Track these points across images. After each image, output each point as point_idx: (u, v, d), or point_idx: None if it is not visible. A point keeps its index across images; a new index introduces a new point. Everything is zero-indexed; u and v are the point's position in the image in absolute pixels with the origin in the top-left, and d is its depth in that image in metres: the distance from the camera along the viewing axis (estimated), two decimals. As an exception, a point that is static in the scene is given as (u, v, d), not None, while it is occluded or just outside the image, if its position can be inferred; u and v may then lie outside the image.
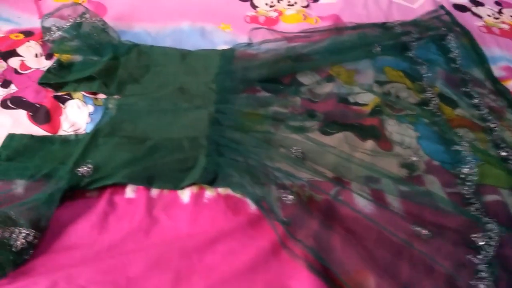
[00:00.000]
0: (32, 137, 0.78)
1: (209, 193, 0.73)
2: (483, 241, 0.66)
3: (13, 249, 0.60)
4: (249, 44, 1.01)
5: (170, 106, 0.85)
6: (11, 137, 0.77)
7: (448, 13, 1.16)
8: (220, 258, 0.65)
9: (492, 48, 1.12)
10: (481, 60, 1.05)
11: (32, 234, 0.62)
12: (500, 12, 1.28)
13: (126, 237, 0.67)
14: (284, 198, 0.70)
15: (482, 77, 1.02)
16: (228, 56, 0.97)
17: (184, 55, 0.98)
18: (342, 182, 0.75)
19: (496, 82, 1.00)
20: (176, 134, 0.80)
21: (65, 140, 0.78)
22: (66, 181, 0.68)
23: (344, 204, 0.71)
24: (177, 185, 0.73)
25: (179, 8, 1.17)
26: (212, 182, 0.73)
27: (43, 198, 0.65)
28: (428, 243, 0.67)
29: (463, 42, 1.09)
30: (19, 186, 0.69)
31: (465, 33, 1.11)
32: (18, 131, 0.79)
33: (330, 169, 0.77)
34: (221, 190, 0.74)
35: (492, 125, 0.88)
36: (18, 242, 0.61)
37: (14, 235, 0.61)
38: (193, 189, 0.73)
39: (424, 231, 0.67)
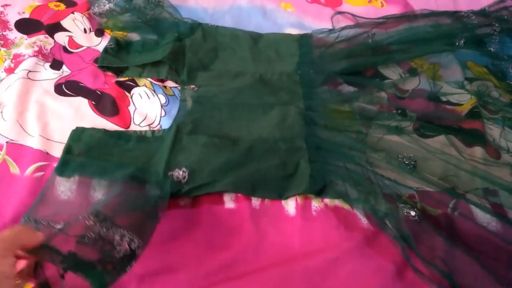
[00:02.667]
0: (105, 131, 0.66)
1: (316, 204, 0.65)
2: None
3: (116, 255, 0.47)
4: (329, 31, 0.90)
5: (254, 100, 0.75)
6: (81, 131, 0.66)
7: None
8: (343, 282, 0.58)
9: None
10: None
11: (136, 241, 0.49)
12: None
13: (237, 255, 0.58)
14: (405, 213, 0.63)
15: None
16: (306, 43, 0.87)
17: (255, 39, 0.86)
18: (457, 193, 0.68)
19: None
20: (268, 134, 0.70)
21: (141, 137, 0.67)
22: (168, 188, 0.58)
23: (467, 219, 0.65)
24: (281, 195, 0.64)
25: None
26: (320, 192, 0.65)
27: (147, 207, 0.54)
28: None
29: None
30: (101, 187, 0.58)
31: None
32: (82, 124, 0.68)
33: (439, 178, 0.70)
34: (328, 201, 0.65)
35: None
36: (122, 247, 0.48)
37: (117, 237, 0.48)
38: (298, 200, 0.65)
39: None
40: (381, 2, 1.07)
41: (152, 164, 0.63)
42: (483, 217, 0.65)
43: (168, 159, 0.62)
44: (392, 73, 0.88)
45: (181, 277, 0.55)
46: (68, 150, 0.63)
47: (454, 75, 0.88)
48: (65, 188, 0.60)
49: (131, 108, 0.72)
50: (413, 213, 0.63)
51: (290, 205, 0.64)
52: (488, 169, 0.71)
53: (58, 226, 0.47)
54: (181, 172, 0.61)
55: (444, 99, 0.84)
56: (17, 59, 0.74)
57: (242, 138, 0.69)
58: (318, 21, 0.98)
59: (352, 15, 0.96)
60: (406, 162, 0.70)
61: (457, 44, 0.93)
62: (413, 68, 0.89)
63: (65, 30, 0.81)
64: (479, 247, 0.62)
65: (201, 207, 0.61)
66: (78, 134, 0.65)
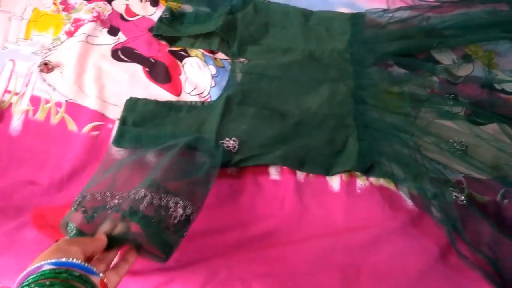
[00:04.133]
0: (157, 102, 0.68)
1: (361, 182, 0.65)
2: None
3: (172, 221, 0.49)
4: (383, 10, 0.88)
5: (304, 76, 0.75)
6: (135, 102, 0.67)
7: None
8: (386, 260, 0.58)
9: None
10: None
11: (189, 207, 0.51)
12: None
13: (280, 225, 0.59)
14: (454, 197, 0.62)
15: None
16: (359, 22, 0.85)
17: (306, 15, 0.86)
18: (508, 181, 0.66)
19: None
20: (318, 109, 0.70)
21: (192, 106, 0.69)
22: (219, 157, 0.59)
23: (517, 210, 0.63)
24: (328, 171, 0.64)
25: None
26: (367, 170, 0.64)
27: (199, 174, 0.56)
28: None
29: None
30: (155, 155, 0.60)
31: None
32: (136, 89, 0.70)
33: (490, 165, 0.68)
34: (374, 180, 0.65)
35: None
36: (177, 213, 0.50)
37: (171, 204, 0.50)
38: (343, 177, 0.65)
39: None
40: (437, -14, 1.04)
41: (203, 132, 0.64)
42: (534, 209, 0.63)
43: (218, 128, 0.64)
44: (445, 58, 0.85)
45: (229, 238, 0.56)
46: (123, 121, 0.65)
47: (510, 64, 0.85)
48: (123, 157, 0.61)
49: (182, 77, 0.73)
50: (462, 197, 0.62)
51: (335, 181, 0.64)
52: (541, 161, 0.69)
53: (114, 201, 0.49)
54: (231, 142, 0.62)
55: (498, 87, 0.81)
56: (77, 23, 0.77)
57: (291, 112, 0.69)
58: (370, 2, 0.95)
59: (407, -4, 0.94)
60: (457, 147, 0.68)
61: (515, 32, 0.89)
62: (467, 55, 0.86)
63: (122, -2, 0.83)
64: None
65: (246, 177, 0.62)
66: (132, 104, 0.67)
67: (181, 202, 0.51)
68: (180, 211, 0.50)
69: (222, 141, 0.62)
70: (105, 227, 0.47)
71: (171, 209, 0.50)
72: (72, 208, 0.49)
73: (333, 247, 0.57)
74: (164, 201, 0.50)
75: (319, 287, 0.55)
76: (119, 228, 0.47)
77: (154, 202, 0.49)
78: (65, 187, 0.62)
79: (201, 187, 0.54)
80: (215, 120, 0.65)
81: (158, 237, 0.48)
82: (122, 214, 0.47)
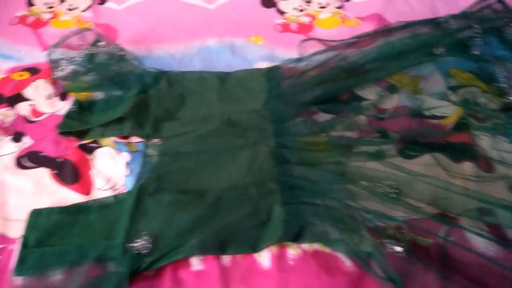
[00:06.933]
0: (62, 210, 0.63)
1: (292, 251, 0.60)
2: None
3: None
4: (297, 59, 0.86)
5: (222, 144, 0.71)
6: (36, 214, 0.62)
7: (500, 0, 1.03)
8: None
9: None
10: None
11: None
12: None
13: (206, 324, 0.53)
14: (390, 250, 0.57)
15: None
16: (275, 75, 0.83)
17: (222, 78, 0.84)
18: (448, 219, 0.62)
19: None
20: (238, 179, 0.66)
21: (102, 205, 0.64)
22: (126, 266, 0.54)
23: (461, 247, 0.58)
24: (255, 247, 0.59)
25: (201, 23, 1.03)
26: (297, 237, 0.60)
27: None
28: None
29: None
30: (59, 276, 0.55)
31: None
32: (42, 197, 0.65)
33: (428, 203, 0.64)
34: (306, 246, 0.60)
35: None
36: None
37: None
38: (272, 249, 0.59)
39: None
40: (355, 21, 1.04)
41: (113, 236, 0.59)
42: (480, 242, 0.59)
43: (128, 229, 0.59)
44: (370, 93, 0.83)
45: None
46: (25, 243, 0.59)
47: (437, 86, 0.83)
48: None
49: (93, 171, 0.69)
50: (399, 248, 0.57)
51: (264, 257, 0.59)
52: (480, 185, 0.65)
53: None
54: (142, 242, 0.57)
55: (428, 113, 0.78)
56: (-21, 137, 0.74)
57: (211, 189, 0.65)
58: (291, 50, 0.94)
59: (319, 39, 0.93)
60: (389, 190, 0.64)
61: (436, 53, 0.88)
62: (392, 85, 0.84)
63: (26, 99, 0.80)
64: (478, 278, 0.55)
65: (165, 275, 0.56)
66: (35, 218, 0.61)
67: None
68: None
69: (131, 244, 0.57)
70: None
71: None
72: None
73: None
74: None
75: None
76: None
77: None
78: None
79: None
80: (125, 219, 0.60)
81: None
82: None
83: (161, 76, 0.83)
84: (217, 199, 0.63)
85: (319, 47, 0.92)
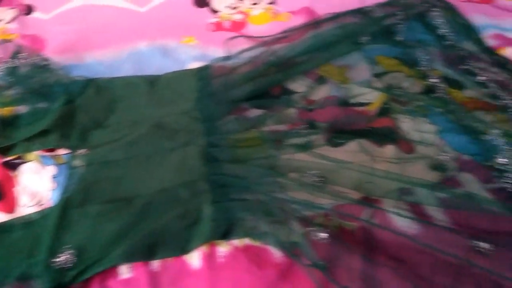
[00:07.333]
0: (-18, 231, 0.61)
1: (222, 249, 0.60)
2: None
3: None
4: (226, 57, 0.87)
5: (152, 149, 0.70)
6: None
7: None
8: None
9: (475, 17, 1.04)
10: (470, 32, 0.97)
11: None
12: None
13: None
14: (314, 237, 0.58)
15: (477, 50, 0.94)
16: (205, 75, 0.83)
17: (151, 82, 0.83)
18: (371, 202, 0.64)
19: (492, 53, 0.93)
20: (168, 182, 0.66)
21: (27, 222, 0.62)
22: (48, 282, 0.53)
23: (383, 228, 0.60)
24: (185, 249, 0.59)
25: (131, 27, 1.01)
26: (226, 234, 0.60)
27: None
28: (490, 256, 0.57)
29: (447, 16, 1.01)
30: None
31: (446, 6, 1.03)
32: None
33: (353, 189, 0.66)
34: (237, 242, 0.61)
35: (506, 101, 0.80)
36: None
37: None
38: (203, 249, 0.60)
39: (484, 244, 0.57)
40: (287, 15, 1.05)
41: (37, 253, 0.57)
42: (402, 222, 0.61)
43: (50, 244, 0.57)
44: (300, 86, 0.85)
45: None
46: None
47: (362, 74, 0.85)
48: None
49: (18, 188, 0.67)
50: (323, 235, 0.58)
51: (194, 258, 0.59)
52: (402, 167, 0.67)
53: None
54: (65, 257, 0.56)
55: (353, 101, 0.81)
56: None
57: (140, 194, 0.64)
58: (224, 49, 0.94)
59: (247, 36, 0.94)
60: (314, 180, 0.66)
61: (361, 42, 0.90)
62: (320, 76, 0.86)
63: None
64: (400, 256, 0.58)
65: (92, 285, 0.56)
66: None
67: None
68: None
69: (54, 259, 0.56)
70: None
71: None
72: None
73: None
74: None
75: None
76: None
77: None
78: None
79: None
80: (48, 234, 0.59)
81: None
82: None
83: (88, 84, 0.82)
84: (146, 204, 0.63)
85: (251, 43, 0.93)
